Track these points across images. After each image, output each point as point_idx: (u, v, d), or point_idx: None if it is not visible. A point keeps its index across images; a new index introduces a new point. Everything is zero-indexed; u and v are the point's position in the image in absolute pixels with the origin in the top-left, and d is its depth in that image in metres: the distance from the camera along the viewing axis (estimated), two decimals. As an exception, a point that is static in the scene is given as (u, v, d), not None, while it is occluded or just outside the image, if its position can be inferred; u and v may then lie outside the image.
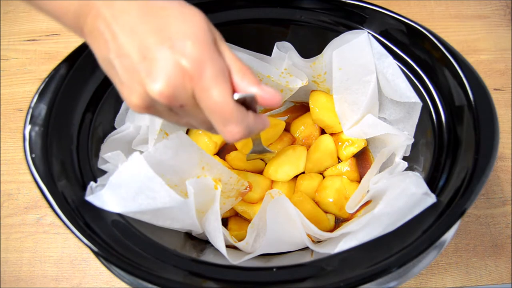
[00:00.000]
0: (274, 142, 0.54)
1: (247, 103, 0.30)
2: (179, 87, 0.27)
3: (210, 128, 0.31)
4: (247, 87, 0.29)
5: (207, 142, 0.52)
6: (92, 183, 0.38)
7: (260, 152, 0.47)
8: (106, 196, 0.36)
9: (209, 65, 0.27)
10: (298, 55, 0.49)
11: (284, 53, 0.50)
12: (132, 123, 0.45)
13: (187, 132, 0.53)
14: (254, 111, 0.31)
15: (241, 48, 0.49)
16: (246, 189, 0.46)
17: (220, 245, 0.38)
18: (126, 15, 0.27)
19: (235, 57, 0.30)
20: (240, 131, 0.29)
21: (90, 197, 0.36)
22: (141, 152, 0.36)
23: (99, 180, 0.39)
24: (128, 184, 0.35)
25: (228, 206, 0.47)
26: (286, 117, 0.57)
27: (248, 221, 0.49)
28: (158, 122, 0.45)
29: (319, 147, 0.51)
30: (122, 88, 0.29)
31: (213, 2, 0.47)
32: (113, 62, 0.28)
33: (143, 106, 0.29)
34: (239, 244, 0.42)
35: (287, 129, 0.56)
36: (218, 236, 0.38)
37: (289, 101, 0.56)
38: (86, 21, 0.29)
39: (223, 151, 0.54)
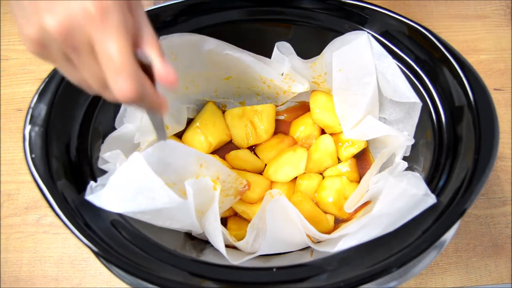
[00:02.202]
0: (274, 143, 0.54)
1: (146, 71, 0.29)
2: (76, 25, 0.26)
3: (103, 86, 0.29)
4: (149, 53, 0.29)
5: (202, 142, 0.52)
6: (92, 183, 0.38)
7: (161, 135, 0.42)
8: (106, 196, 0.36)
9: (114, 15, 0.27)
10: (298, 57, 0.50)
11: (284, 54, 0.50)
12: (131, 123, 0.45)
13: (183, 133, 0.53)
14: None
15: (243, 50, 0.49)
16: (244, 187, 0.46)
17: (219, 245, 0.38)
18: None
19: (149, 26, 0.30)
20: (132, 87, 0.28)
21: (90, 197, 0.36)
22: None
23: (99, 180, 0.39)
24: (128, 184, 0.35)
25: (227, 205, 0.47)
26: (283, 116, 0.57)
27: (247, 221, 0.49)
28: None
29: (319, 147, 0.51)
30: (20, 21, 0.28)
31: (213, 2, 0.47)
32: None
33: (37, 41, 0.27)
34: (238, 244, 0.42)
35: (287, 130, 0.56)
36: (217, 236, 0.38)
37: (289, 101, 0.56)
38: None
39: (223, 151, 0.54)
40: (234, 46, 0.48)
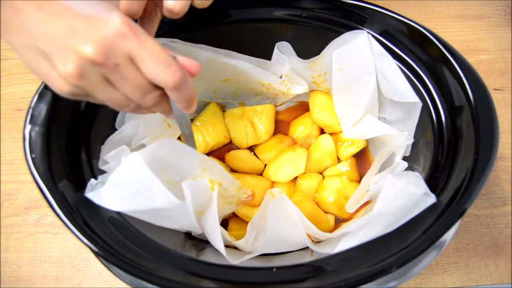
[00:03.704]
0: (274, 143, 0.54)
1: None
2: (113, 43, 0.29)
3: (145, 92, 0.32)
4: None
5: (200, 141, 0.52)
6: (92, 180, 0.38)
7: (188, 138, 0.44)
8: (105, 194, 0.36)
9: (138, 26, 0.30)
10: (298, 58, 0.50)
11: (284, 54, 0.50)
12: (132, 118, 0.45)
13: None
14: None
15: (242, 55, 0.49)
16: (248, 198, 0.46)
17: (219, 245, 0.38)
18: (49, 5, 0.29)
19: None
20: (180, 72, 0.31)
21: (89, 194, 0.36)
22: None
23: (100, 177, 0.39)
24: (126, 184, 0.35)
25: (228, 211, 0.47)
26: (282, 116, 0.57)
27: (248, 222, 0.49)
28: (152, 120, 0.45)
29: (319, 147, 0.51)
30: (51, 68, 0.30)
31: (213, 1, 0.47)
32: (41, 45, 0.29)
33: (77, 75, 0.29)
34: (238, 243, 0.42)
35: (286, 130, 0.56)
36: (216, 236, 0.38)
37: (289, 101, 0.57)
38: (4, 14, 0.30)
39: (222, 152, 0.54)
40: (232, 52, 0.48)
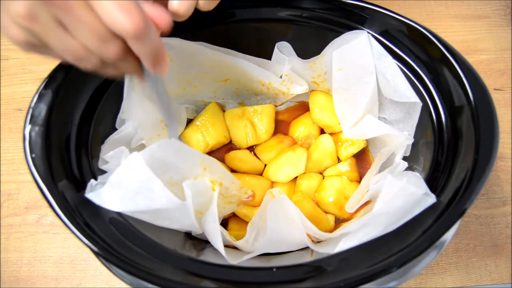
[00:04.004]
0: (274, 143, 0.54)
1: None
2: None
3: (103, 39, 0.28)
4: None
5: (200, 141, 0.52)
6: (92, 181, 0.38)
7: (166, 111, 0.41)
8: (105, 194, 0.36)
9: None
10: (298, 58, 0.50)
11: (285, 54, 0.50)
12: (129, 118, 0.45)
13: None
14: None
15: (242, 54, 0.49)
16: (248, 198, 0.46)
17: (218, 245, 0.38)
18: None
19: None
20: (139, 16, 0.27)
21: (90, 195, 0.36)
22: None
23: (100, 178, 0.39)
24: (127, 184, 0.35)
25: (228, 211, 0.47)
26: (282, 116, 0.57)
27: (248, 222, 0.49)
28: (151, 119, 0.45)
29: (319, 147, 0.51)
30: (5, 13, 0.28)
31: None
32: None
33: (28, 16, 0.27)
34: (238, 243, 0.42)
35: (286, 130, 0.56)
36: (216, 236, 0.38)
37: (289, 101, 0.57)
38: None
39: (222, 152, 0.54)
40: (232, 51, 0.48)
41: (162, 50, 0.31)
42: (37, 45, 0.30)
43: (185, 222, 0.39)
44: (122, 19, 0.27)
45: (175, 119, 0.40)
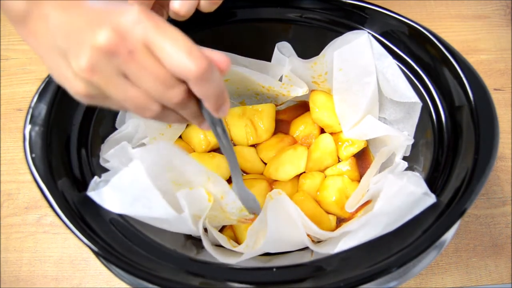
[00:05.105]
0: (274, 143, 0.54)
1: None
2: (127, 29, 0.27)
3: (167, 85, 0.28)
4: None
5: (201, 139, 0.52)
6: (96, 178, 0.38)
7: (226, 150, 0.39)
8: (106, 194, 0.36)
9: (158, 16, 0.28)
10: (298, 58, 0.50)
11: (285, 54, 0.50)
12: (130, 120, 0.45)
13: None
14: None
15: (241, 57, 0.49)
16: (247, 220, 0.45)
17: (209, 248, 0.39)
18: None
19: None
20: (206, 60, 0.27)
21: (91, 193, 0.36)
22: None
23: (103, 176, 0.39)
24: (127, 190, 0.35)
25: (227, 223, 0.47)
26: (282, 116, 0.57)
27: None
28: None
29: (319, 146, 0.51)
30: (67, 67, 0.29)
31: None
32: (60, 43, 0.28)
33: (90, 67, 0.27)
34: (238, 249, 0.42)
35: (287, 129, 0.56)
36: (204, 240, 0.39)
37: (289, 100, 0.57)
38: (31, 24, 0.30)
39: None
40: (231, 54, 0.48)
41: (225, 92, 0.30)
42: (96, 96, 0.30)
43: (183, 229, 0.39)
44: (187, 63, 0.27)
45: None
